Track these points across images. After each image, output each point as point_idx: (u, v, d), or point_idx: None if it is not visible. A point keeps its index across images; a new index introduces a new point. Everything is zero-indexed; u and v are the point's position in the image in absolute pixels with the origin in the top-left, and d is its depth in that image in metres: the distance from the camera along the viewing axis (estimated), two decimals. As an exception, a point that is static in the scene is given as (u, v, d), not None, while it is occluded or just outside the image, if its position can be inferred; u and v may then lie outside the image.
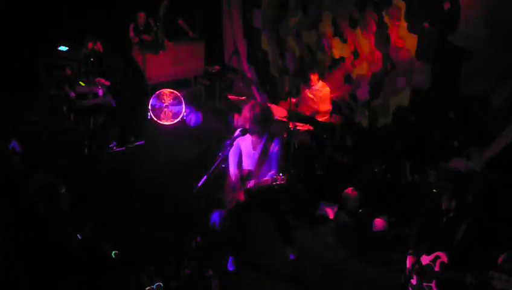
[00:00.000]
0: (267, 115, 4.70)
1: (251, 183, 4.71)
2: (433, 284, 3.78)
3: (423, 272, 3.87)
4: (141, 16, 9.11)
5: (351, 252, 5.67)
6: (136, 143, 7.96)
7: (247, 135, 4.79)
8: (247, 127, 4.66)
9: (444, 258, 3.74)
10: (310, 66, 7.75)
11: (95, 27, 7.50)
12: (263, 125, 4.68)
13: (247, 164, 4.87)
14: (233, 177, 4.93)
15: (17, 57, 8.73)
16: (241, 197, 4.84)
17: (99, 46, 7.50)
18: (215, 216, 5.83)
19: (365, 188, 6.50)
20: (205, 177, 4.45)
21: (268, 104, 6.65)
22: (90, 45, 7.51)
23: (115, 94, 7.25)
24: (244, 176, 4.84)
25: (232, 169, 4.95)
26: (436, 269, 3.77)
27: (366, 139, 7.33)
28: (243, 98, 7.56)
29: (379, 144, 7.07)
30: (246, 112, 4.66)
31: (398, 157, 6.55)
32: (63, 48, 8.35)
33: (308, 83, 7.31)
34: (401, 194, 6.10)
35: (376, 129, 7.15)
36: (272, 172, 4.72)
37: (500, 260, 3.80)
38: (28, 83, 8.62)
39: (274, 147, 4.74)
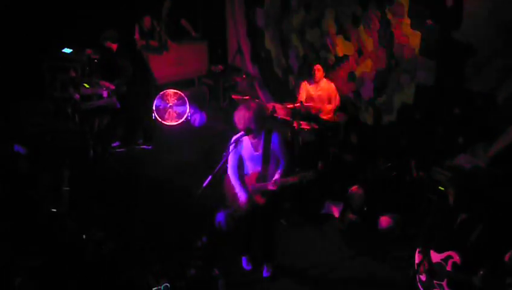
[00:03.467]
0: (262, 113, 4.63)
1: (271, 185, 4.66)
2: (444, 283, 3.77)
3: (433, 270, 3.85)
4: (147, 20, 9.13)
5: (356, 250, 5.67)
6: (143, 147, 7.96)
7: (245, 139, 4.70)
8: (248, 126, 4.55)
9: (456, 258, 3.72)
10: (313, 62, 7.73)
11: (100, 28, 7.49)
12: (260, 124, 4.59)
13: (252, 167, 4.81)
14: (234, 180, 4.86)
15: (21, 60, 8.76)
16: (261, 200, 4.79)
17: (111, 46, 7.45)
18: (221, 216, 5.84)
19: (370, 185, 6.49)
20: (210, 177, 4.45)
21: (273, 103, 6.65)
22: (108, 44, 7.41)
23: (122, 94, 7.25)
24: (256, 179, 4.78)
25: (232, 172, 4.87)
26: (448, 268, 3.75)
27: (371, 137, 7.32)
28: (247, 97, 7.56)
29: (384, 142, 7.06)
30: (245, 111, 4.53)
31: (403, 154, 6.54)
32: (67, 50, 8.37)
33: (311, 79, 7.24)
34: (407, 191, 6.08)
35: (381, 127, 7.14)
36: (282, 167, 4.72)
37: (507, 257, 3.78)
38: (32, 86, 8.65)
39: (273, 143, 4.67)
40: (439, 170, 5.68)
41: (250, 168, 4.83)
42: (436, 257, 3.88)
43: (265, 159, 4.71)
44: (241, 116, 4.54)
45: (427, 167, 5.88)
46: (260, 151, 4.72)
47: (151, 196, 6.61)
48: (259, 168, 4.77)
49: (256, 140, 4.71)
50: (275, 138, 4.67)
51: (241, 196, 4.82)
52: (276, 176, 4.71)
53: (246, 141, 4.73)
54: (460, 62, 5.80)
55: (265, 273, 5.28)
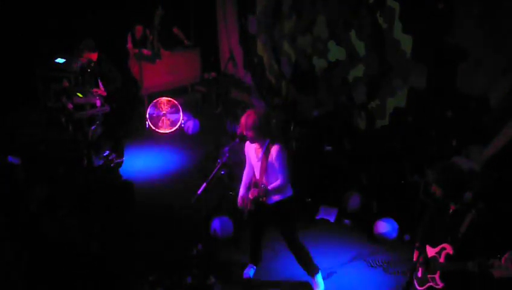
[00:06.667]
0: (263, 121, 4.53)
1: (253, 193, 4.66)
2: (436, 276, 3.79)
3: (428, 264, 3.88)
4: (139, 29, 9.16)
5: (352, 255, 5.66)
6: (116, 161, 7.86)
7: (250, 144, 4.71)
8: (244, 134, 4.56)
9: (449, 250, 3.74)
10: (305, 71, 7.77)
11: (90, 37, 7.48)
12: (260, 132, 4.53)
13: (256, 172, 4.75)
14: (244, 178, 4.90)
15: (14, 70, 8.75)
16: (248, 205, 4.74)
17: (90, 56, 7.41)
18: (216, 223, 5.83)
19: (365, 190, 6.50)
20: (204, 184, 4.45)
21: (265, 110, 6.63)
22: (86, 55, 7.42)
23: (111, 104, 7.25)
24: (253, 184, 4.75)
25: (244, 172, 4.91)
26: (441, 260, 3.78)
27: (364, 141, 7.33)
28: None
29: (377, 146, 7.07)
30: (243, 119, 4.53)
31: (397, 158, 6.55)
32: (60, 60, 8.35)
33: None
34: (401, 195, 6.09)
35: (374, 131, 7.16)
36: (278, 182, 4.59)
37: (503, 259, 3.79)
38: (25, 96, 8.63)
39: (272, 155, 4.57)
40: (431, 171, 5.68)
41: (256, 173, 4.77)
42: (431, 251, 3.90)
43: (263, 169, 4.63)
44: (240, 123, 4.53)
45: (421, 170, 5.89)
46: (259, 159, 4.66)
47: (146, 204, 6.58)
48: (258, 177, 4.71)
49: (258, 147, 4.66)
50: (275, 150, 4.56)
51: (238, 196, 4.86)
52: (268, 187, 4.63)
53: (251, 146, 4.71)
54: (452, 65, 5.83)
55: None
